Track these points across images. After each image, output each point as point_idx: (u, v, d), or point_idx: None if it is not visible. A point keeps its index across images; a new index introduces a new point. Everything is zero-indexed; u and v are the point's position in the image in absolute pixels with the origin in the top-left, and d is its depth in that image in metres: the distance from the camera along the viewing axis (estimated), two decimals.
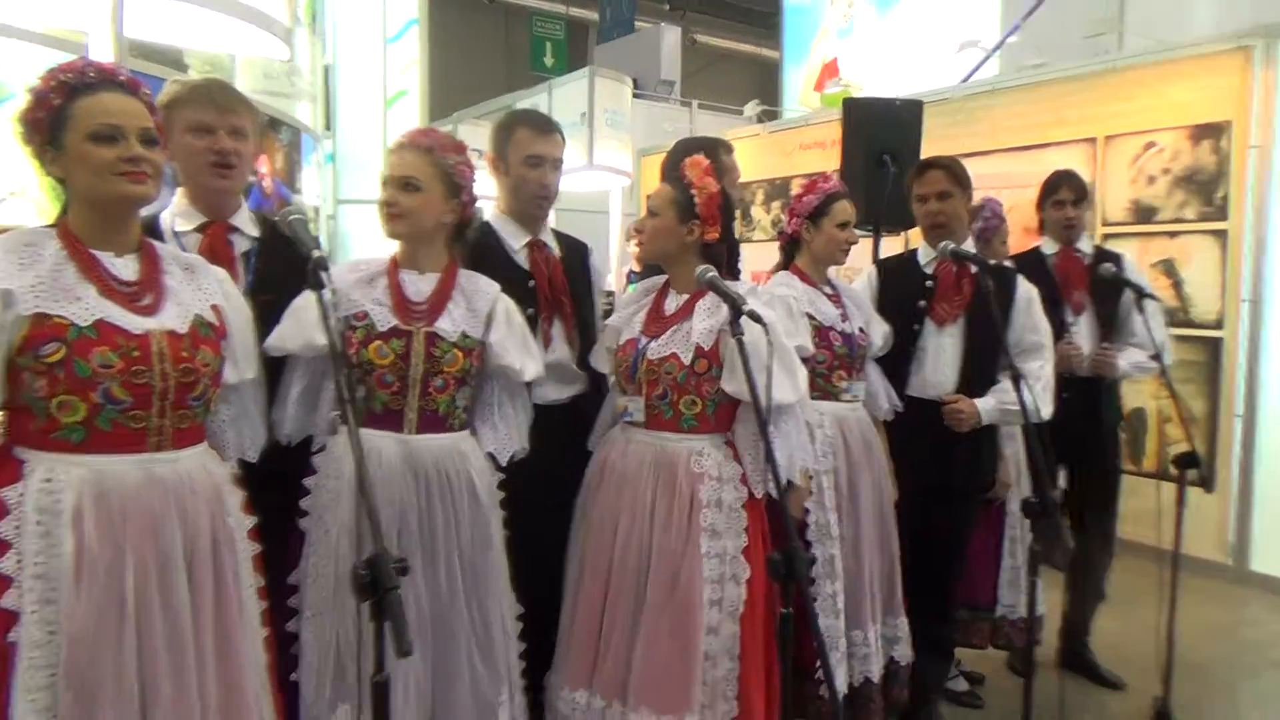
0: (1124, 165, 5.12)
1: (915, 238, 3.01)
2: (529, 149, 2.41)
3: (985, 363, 2.75)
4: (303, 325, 1.93)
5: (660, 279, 2.35)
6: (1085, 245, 3.33)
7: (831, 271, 2.73)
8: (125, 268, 1.61)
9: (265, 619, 1.79)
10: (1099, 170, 5.20)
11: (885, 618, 2.66)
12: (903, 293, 2.76)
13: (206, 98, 1.99)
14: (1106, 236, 5.17)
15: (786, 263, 2.73)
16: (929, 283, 2.77)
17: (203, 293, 1.71)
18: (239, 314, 1.80)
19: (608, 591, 2.17)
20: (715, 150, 2.70)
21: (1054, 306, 3.19)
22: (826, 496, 2.50)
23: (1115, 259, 3.24)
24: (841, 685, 2.45)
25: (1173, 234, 4.92)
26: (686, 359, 2.15)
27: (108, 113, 1.55)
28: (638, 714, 2.06)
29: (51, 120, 1.54)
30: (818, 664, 2.45)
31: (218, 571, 1.63)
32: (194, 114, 1.98)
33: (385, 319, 1.97)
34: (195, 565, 1.60)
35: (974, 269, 2.73)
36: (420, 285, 2.04)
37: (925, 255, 2.84)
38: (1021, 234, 3.91)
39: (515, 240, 2.43)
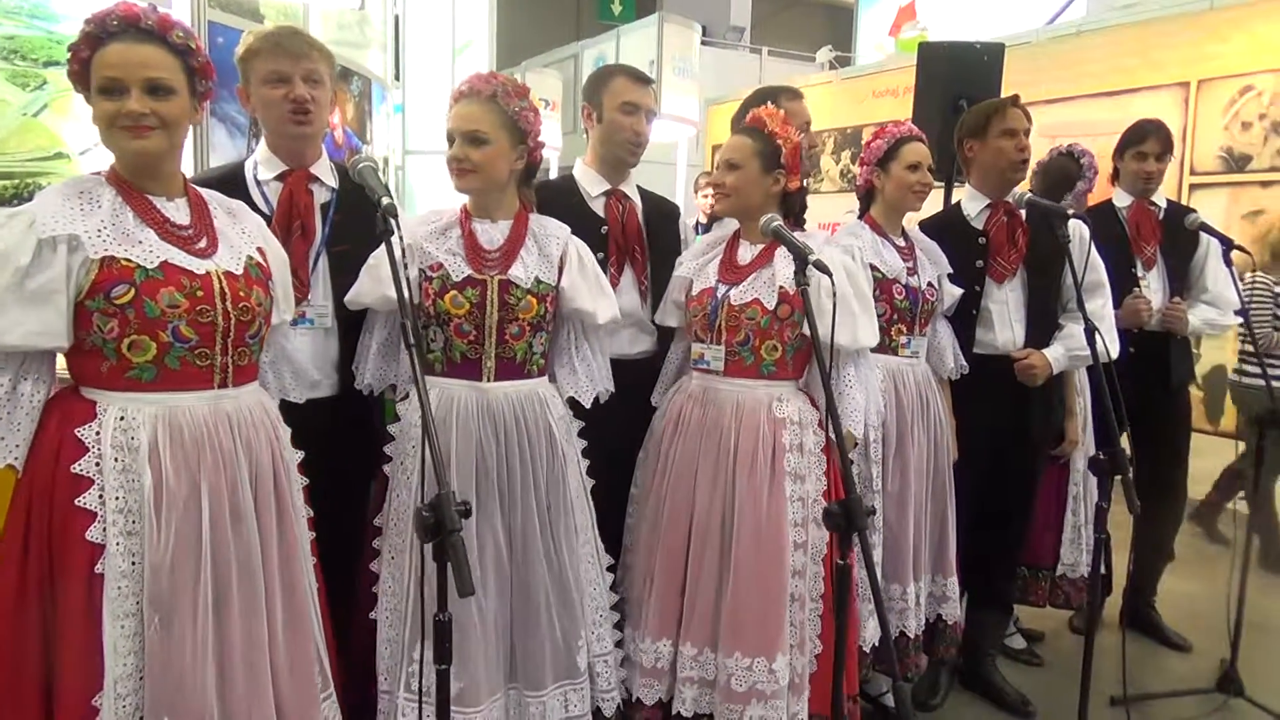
0: (1217, 111, 4.87)
1: None
2: (625, 95, 2.43)
3: (1048, 312, 2.70)
4: (378, 281, 1.98)
5: (728, 230, 2.34)
6: (1159, 199, 3.22)
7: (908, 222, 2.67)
8: (177, 211, 1.65)
9: (313, 548, 1.86)
10: (1190, 116, 4.96)
11: (935, 576, 2.65)
12: (956, 253, 2.66)
13: (278, 46, 2.00)
14: (1194, 187, 4.96)
15: (863, 213, 2.67)
16: (981, 240, 2.68)
17: (248, 236, 1.76)
18: (277, 257, 1.84)
19: (690, 540, 2.19)
20: (778, 98, 2.67)
21: (1125, 259, 3.10)
22: (872, 449, 2.49)
23: (1189, 214, 3.12)
24: (872, 637, 2.46)
25: (1266, 184, 4.69)
26: (770, 304, 2.16)
27: (110, 65, 1.53)
28: (731, 659, 2.10)
29: (83, 73, 1.57)
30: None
31: (280, 500, 1.71)
32: (268, 64, 2.00)
33: (460, 269, 2.00)
34: (260, 495, 1.68)
35: (1025, 218, 2.65)
36: (492, 234, 2.06)
37: (973, 207, 2.73)
38: (1106, 184, 3.78)
39: (594, 188, 2.46)
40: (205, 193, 1.75)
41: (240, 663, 1.60)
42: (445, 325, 1.99)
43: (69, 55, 1.57)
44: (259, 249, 1.76)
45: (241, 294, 1.65)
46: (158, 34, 1.57)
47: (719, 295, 2.21)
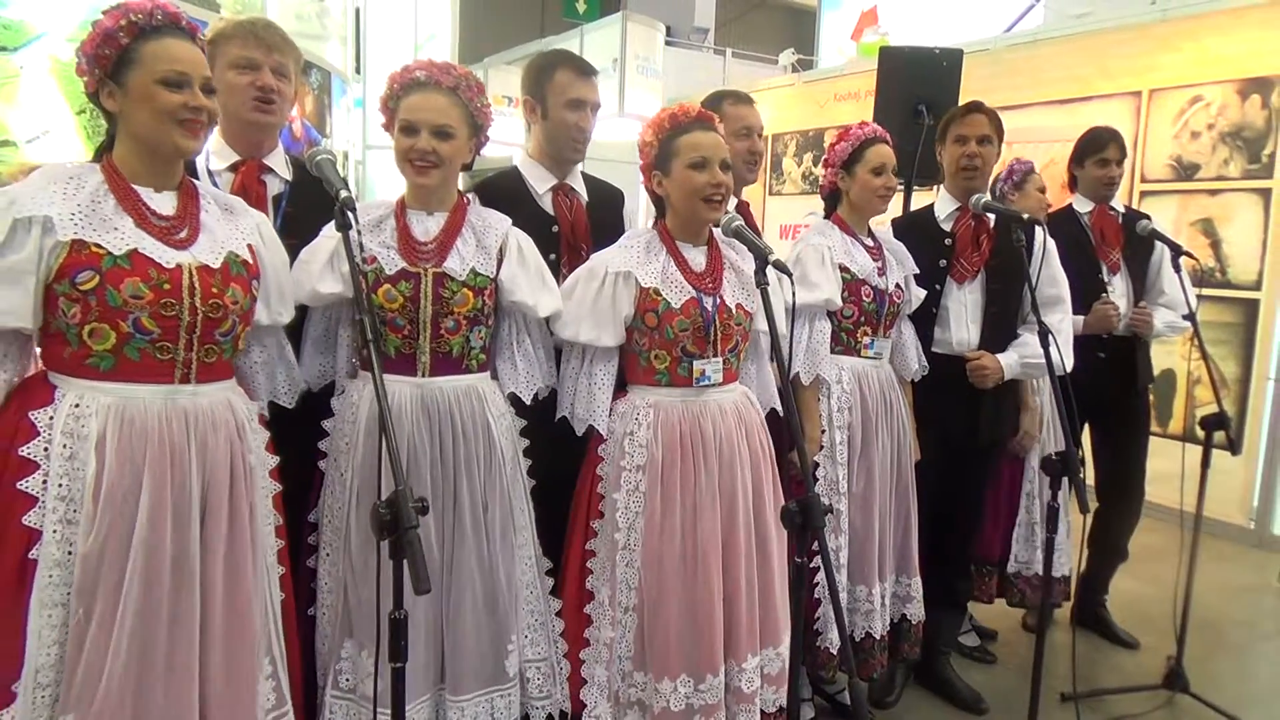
0: (1168, 120, 4.99)
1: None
2: (570, 92, 2.35)
3: (1006, 317, 2.73)
4: (308, 275, 1.94)
5: (645, 233, 2.22)
6: (1116, 204, 3.27)
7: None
8: (164, 202, 1.64)
9: (282, 557, 1.82)
10: (1142, 125, 5.07)
11: (899, 576, 2.67)
12: (921, 252, 2.69)
13: (252, 34, 2.02)
14: (1144, 194, 5.07)
15: (829, 213, 2.67)
16: (948, 241, 2.71)
17: (239, 232, 1.74)
18: (275, 256, 1.82)
19: (730, 563, 2.10)
20: (720, 101, 2.65)
21: (1091, 265, 3.15)
22: (838, 452, 2.49)
23: (1145, 219, 3.18)
24: (837, 638, 2.48)
25: (1213, 192, 4.80)
26: (750, 307, 2.17)
27: (177, 59, 1.58)
28: (778, 649, 2.16)
29: (117, 58, 1.57)
30: (816, 614, 2.51)
31: (233, 505, 1.66)
32: (239, 50, 2.00)
33: (393, 262, 1.94)
34: (211, 497, 1.63)
35: (993, 224, 2.69)
36: (428, 225, 2.00)
37: (944, 209, 2.76)
38: (1060, 190, 3.85)
39: (541, 185, 2.40)
40: (202, 187, 1.74)
41: (162, 667, 1.56)
42: (380, 320, 1.96)
43: (100, 38, 1.55)
44: (249, 246, 1.74)
45: (215, 289, 1.63)
46: (192, 36, 1.64)
47: (709, 306, 2.10)
